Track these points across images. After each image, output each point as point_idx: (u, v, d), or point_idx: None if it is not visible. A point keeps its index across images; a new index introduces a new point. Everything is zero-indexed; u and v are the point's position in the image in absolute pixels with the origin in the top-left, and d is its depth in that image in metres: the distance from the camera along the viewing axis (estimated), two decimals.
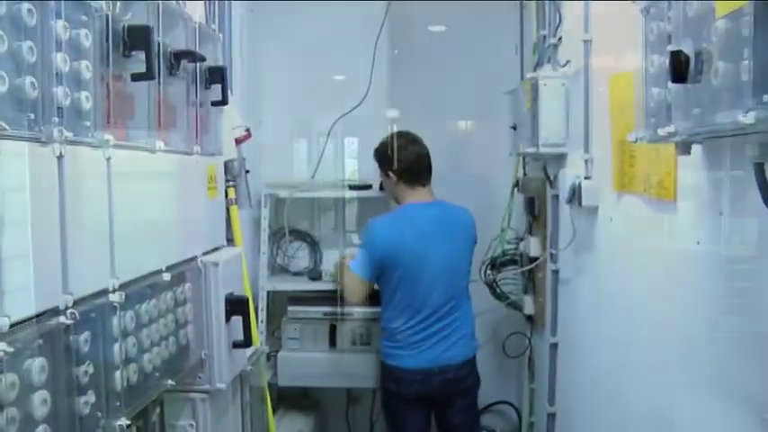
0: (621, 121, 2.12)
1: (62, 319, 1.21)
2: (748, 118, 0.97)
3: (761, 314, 1.27)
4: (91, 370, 1.31)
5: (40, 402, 1.12)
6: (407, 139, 3.04)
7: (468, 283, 3.07)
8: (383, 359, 3.03)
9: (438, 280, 2.91)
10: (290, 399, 3.70)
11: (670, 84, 1.27)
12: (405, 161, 2.99)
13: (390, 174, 3.03)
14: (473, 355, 3.03)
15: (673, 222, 1.75)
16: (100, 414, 1.35)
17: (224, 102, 2.18)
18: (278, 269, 3.72)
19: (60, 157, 1.23)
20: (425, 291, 2.90)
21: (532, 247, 3.19)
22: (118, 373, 1.43)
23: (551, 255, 2.97)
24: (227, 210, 2.60)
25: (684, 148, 1.42)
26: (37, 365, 1.11)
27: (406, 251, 2.89)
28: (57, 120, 1.21)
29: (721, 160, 1.47)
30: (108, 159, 1.42)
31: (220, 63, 2.24)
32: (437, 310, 2.91)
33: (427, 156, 3.04)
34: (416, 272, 2.89)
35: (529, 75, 2.90)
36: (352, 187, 3.52)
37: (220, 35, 2.35)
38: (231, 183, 2.66)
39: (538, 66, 3.09)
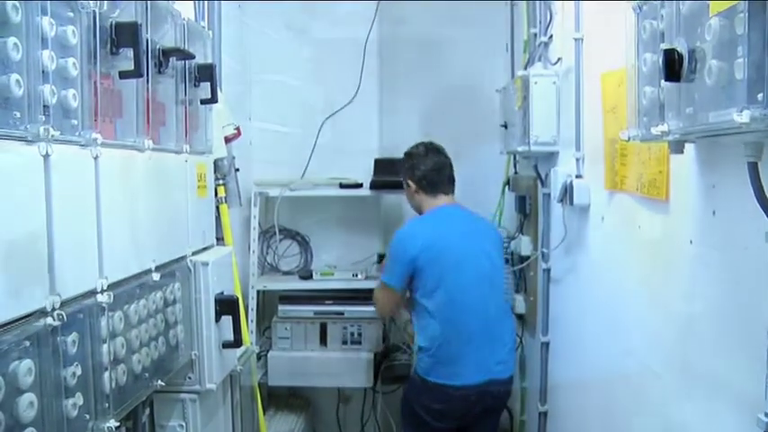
0: (613, 119, 2.12)
1: (49, 320, 1.20)
2: (743, 117, 0.96)
3: (752, 314, 1.26)
4: (79, 371, 1.29)
5: (26, 405, 1.10)
6: (428, 148, 2.95)
7: (509, 299, 3.01)
8: (423, 376, 2.77)
9: (479, 281, 2.74)
10: (280, 398, 3.68)
11: (663, 82, 1.26)
12: (422, 169, 2.88)
13: (410, 183, 2.92)
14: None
15: (665, 222, 1.74)
16: (88, 416, 1.33)
17: (213, 100, 2.17)
18: (268, 268, 3.71)
19: (46, 156, 1.21)
20: (467, 291, 2.72)
21: (523, 245, 3.19)
22: (106, 375, 1.41)
23: (543, 254, 2.97)
24: (217, 209, 2.58)
25: (677, 147, 1.41)
26: (23, 368, 1.10)
27: (442, 249, 2.73)
28: (43, 118, 1.19)
29: (715, 159, 1.46)
30: (96, 158, 1.40)
31: (210, 60, 2.22)
32: (482, 314, 2.73)
33: (449, 166, 2.93)
34: (456, 268, 2.71)
35: (520, 73, 2.89)
36: (342, 186, 3.51)
37: (210, 32, 2.34)
38: (221, 181, 2.64)
39: (529, 64, 3.08)
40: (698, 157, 1.53)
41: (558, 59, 2.73)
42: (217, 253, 2.18)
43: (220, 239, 2.53)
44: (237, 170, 2.82)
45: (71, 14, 1.29)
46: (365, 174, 3.46)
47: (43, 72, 1.19)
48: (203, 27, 2.45)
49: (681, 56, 1.18)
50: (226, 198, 2.67)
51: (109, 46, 1.44)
